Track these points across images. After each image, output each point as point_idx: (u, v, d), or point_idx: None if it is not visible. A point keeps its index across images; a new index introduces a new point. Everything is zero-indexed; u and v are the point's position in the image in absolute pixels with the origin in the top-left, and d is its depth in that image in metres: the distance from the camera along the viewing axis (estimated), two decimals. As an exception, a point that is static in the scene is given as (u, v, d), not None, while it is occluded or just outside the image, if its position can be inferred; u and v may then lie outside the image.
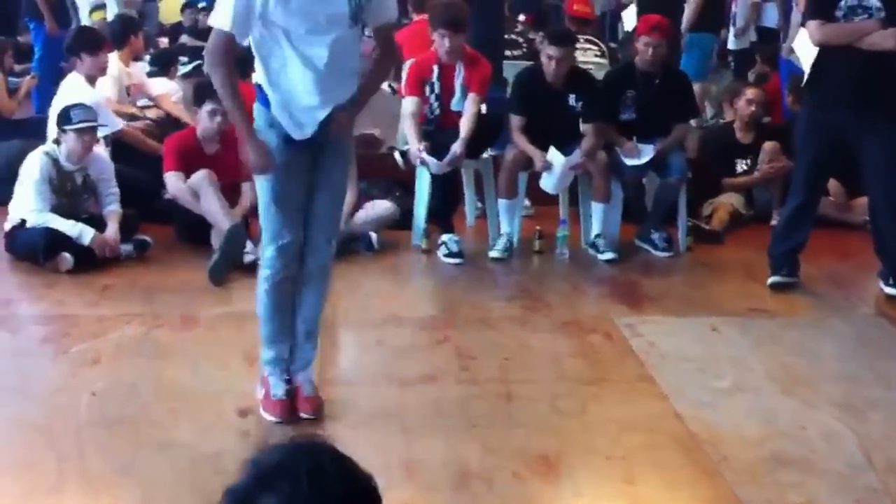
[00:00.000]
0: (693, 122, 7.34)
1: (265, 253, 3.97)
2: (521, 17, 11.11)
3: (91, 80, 6.73)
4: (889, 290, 5.67)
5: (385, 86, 9.68)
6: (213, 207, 5.93)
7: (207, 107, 6.13)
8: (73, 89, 6.55)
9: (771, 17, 10.73)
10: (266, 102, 3.84)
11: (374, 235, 6.29)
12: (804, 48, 6.95)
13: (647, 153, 6.33)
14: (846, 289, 5.94)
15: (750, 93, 7.41)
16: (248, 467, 1.54)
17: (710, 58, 9.48)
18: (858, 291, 5.90)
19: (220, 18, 3.69)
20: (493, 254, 6.26)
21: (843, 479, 3.70)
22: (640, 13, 8.64)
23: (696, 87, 8.77)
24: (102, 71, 6.87)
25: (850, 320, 5.44)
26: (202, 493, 3.35)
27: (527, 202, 6.87)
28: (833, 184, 6.88)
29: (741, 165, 7.29)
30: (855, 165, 5.79)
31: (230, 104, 3.82)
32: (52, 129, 6.28)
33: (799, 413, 4.20)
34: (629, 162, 6.35)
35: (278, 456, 1.54)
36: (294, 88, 3.77)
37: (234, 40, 3.71)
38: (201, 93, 6.35)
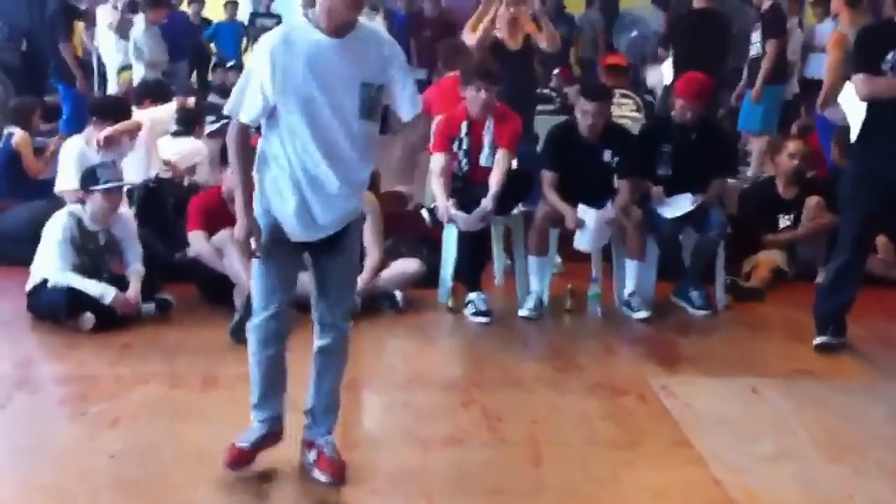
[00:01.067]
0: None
1: (255, 320, 3.96)
2: (556, 71, 11.18)
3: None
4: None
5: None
6: (235, 266, 5.94)
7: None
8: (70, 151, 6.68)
9: (815, 68, 10.69)
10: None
11: (399, 294, 6.28)
12: (850, 102, 6.92)
13: (685, 203, 6.30)
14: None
15: (792, 146, 7.36)
16: None
17: (778, 109, 9.47)
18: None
19: (235, 107, 3.78)
20: (523, 313, 6.23)
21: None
22: (676, 66, 8.62)
23: (763, 139, 8.79)
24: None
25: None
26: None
27: (557, 259, 6.85)
28: (881, 240, 6.81)
29: (784, 221, 7.24)
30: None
31: (239, 192, 3.91)
32: (64, 192, 6.39)
33: (846, 481, 4.11)
34: (667, 214, 6.31)
35: None
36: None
37: (249, 129, 3.81)
38: (226, 150, 6.39)
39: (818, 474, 4.19)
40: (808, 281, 6.71)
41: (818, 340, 5.68)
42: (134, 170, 6.86)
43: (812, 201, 7.14)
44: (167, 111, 7.72)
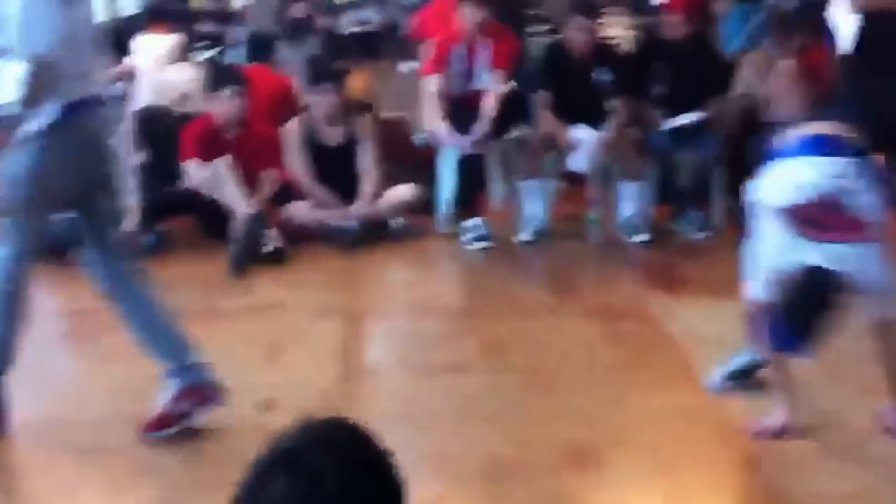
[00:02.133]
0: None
1: None
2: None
3: None
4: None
5: (407, 66, 9.67)
6: (232, 195, 5.93)
7: (226, 90, 6.14)
8: None
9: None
10: None
11: (398, 220, 6.27)
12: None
13: (687, 117, 6.26)
14: None
15: (785, 65, 7.29)
16: (270, 447, 1.56)
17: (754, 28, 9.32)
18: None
19: None
20: (522, 237, 6.22)
21: (890, 466, 3.64)
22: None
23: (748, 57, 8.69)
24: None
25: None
26: (222, 485, 3.33)
27: (557, 182, 6.81)
28: (876, 158, 6.77)
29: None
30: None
31: None
32: None
33: (848, 401, 4.12)
34: (667, 125, 6.27)
35: (299, 436, 1.57)
36: None
37: None
38: (219, 77, 6.36)
39: (819, 393, 4.20)
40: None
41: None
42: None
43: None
44: (174, 42, 7.66)
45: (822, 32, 8.91)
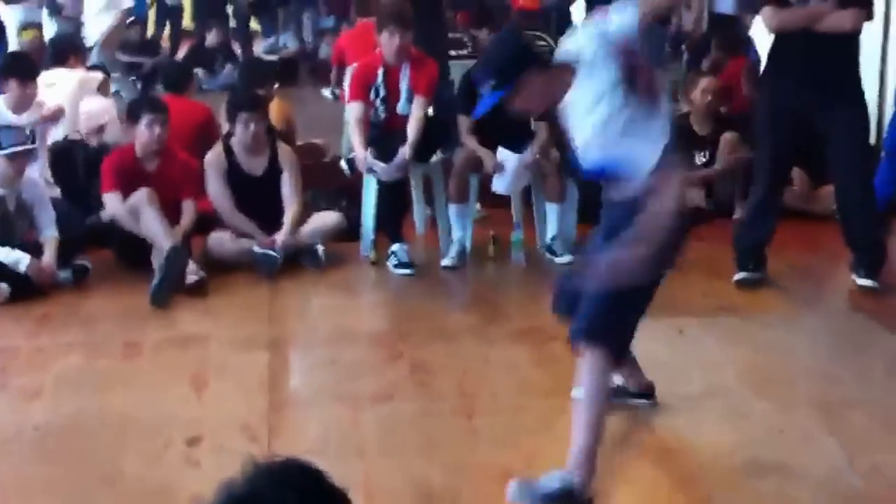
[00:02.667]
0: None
1: None
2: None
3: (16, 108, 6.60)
4: (862, 282, 5.62)
5: (327, 92, 9.65)
6: (153, 227, 5.80)
7: (145, 120, 6.01)
8: None
9: (725, 3, 10.73)
10: None
11: (320, 248, 6.18)
12: (762, 35, 6.93)
13: None
14: (817, 282, 5.92)
15: (705, 82, 7.36)
16: (224, 489, 1.50)
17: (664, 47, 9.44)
18: (830, 284, 5.88)
19: None
20: (446, 262, 6.16)
21: (824, 483, 3.64)
22: (588, 7, 8.58)
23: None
24: (28, 102, 6.71)
25: (824, 315, 5.41)
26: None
27: (478, 206, 6.80)
28: (797, 172, 6.85)
29: (699, 158, 7.25)
30: (818, 153, 5.77)
31: None
32: None
33: (775, 416, 4.14)
34: None
35: (252, 478, 1.51)
36: None
37: None
38: (136, 107, 6.23)
39: (747, 410, 4.22)
40: (726, 218, 6.74)
41: (739, 276, 5.71)
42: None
43: (727, 137, 7.15)
44: (86, 75, 7.52)
45: (738, 49, 9.08)
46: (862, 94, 5.63)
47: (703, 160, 7.25)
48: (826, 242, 6.12)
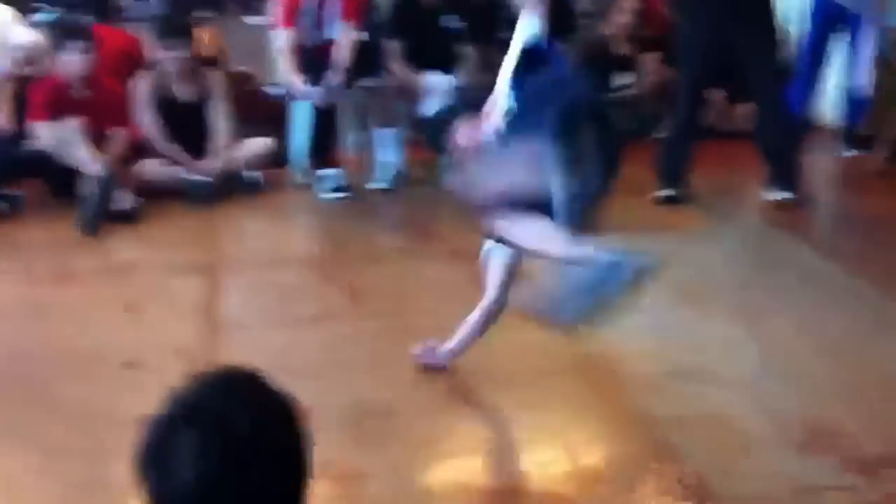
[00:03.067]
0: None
1: None
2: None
3: None
4: (776, 196, 5.72)
5: (256, 19, 9.43)
6: (82, 156, 5.68)
7: (72, 48, 5.85)
8: None
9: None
10: None
11: (252, 174, 6.12)
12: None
13: None
14: (734, 198, 5.99)
15: (626, 4, 7.34)
16: (171, 399, 1.47)
17: None
18: (747, 200, 5.95)
19: None
20: (377, 185, 6.14)
21: (745, 386, 3.71)
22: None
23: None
24: None
25: (741, 229, 5.48)
26: (99, 448, 3.24)
27: (409, 129, 6.75)
28: (715, 92, 6.89)
29: (622, 79, 7.26)
30: (736, 73, 5.81)
31: None
32: None
33: (696, 325, 4.21)
34: None
35: (198, 389, 1.48)
36: None
37: None
38: (64, 35, 6.06)
39: (669, 321, 4.27)
40: (647, 137, 6.77)
41: (661, 193, 5.77)
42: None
43: (649, 58, 7.17)
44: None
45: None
46: (774, 15, 5.67)
47: (626, 81, 7.26)
48: (743, 160, 6.18)
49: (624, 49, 7.29)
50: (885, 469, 3.15)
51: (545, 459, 3.25)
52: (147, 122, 6.06)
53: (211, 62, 6.61)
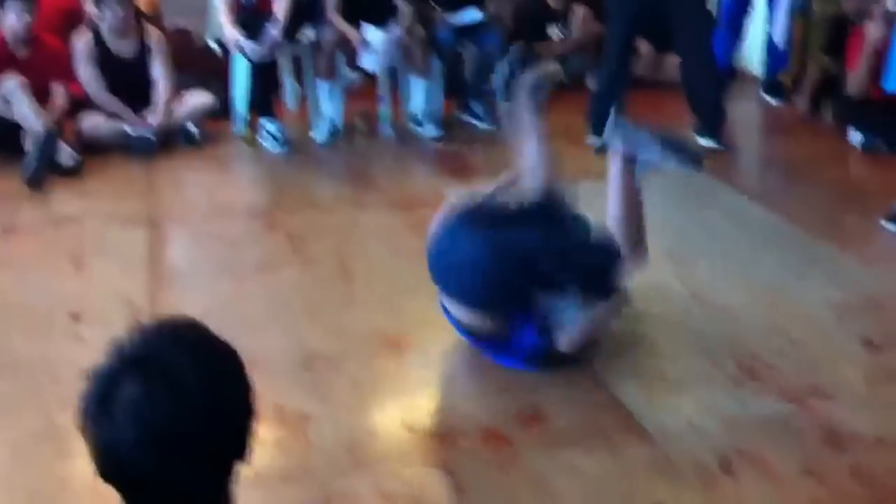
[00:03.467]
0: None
1: None
2: None
3: None
4: (704, 143, 5.74)
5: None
6: (24, 111, 5.53)
7: (13, 7, 5.68)
8: None
9: None
10: None
11: (194, 128, 6.01)
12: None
13: (471, 15, 6.23)
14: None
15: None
16: (114, 350, 1.42)
17: None
18: (675, 147, 5.95)
19: None
20: (317, 137, 6.07)
21: (676, 324, 3.74)
22: None
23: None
24: None
25: (670, 174, 5.45)
26: (47, 399, 3.18)
27: (353, 75, 6.67)
28: (643, 43, 6.89)
29: (553, 32, 7.23)
30: (662, 25, 5.80)
31: None
32: None
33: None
34: (454, 21, 6.22)
35: (142, 338, 1.43)
36: None
37: None
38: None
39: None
40: (579, 88, 6.76)
41: (593, 141, 5.77)
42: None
43: (580, 11, 7.14)
44: None
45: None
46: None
47: (558, 34, 7.23)
48: (672, 108, 6.19)
49: (557, 2, 7.25)
50: (813, 399, 3.19)
51: (486, 400, 3.24)
52: (87, 77, 5.92)
53: (148, 18, 6.45)
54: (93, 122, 5.86)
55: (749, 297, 3.94)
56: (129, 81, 5.94)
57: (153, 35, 6.11)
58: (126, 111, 5.90)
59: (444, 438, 3.06)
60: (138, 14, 6.25)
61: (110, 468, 1.40)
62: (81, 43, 5.94)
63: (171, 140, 5.93)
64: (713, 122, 5.79)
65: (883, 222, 4.62)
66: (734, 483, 2.80)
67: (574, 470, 2.86)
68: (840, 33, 6.26)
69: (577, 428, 3.07)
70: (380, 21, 6.00)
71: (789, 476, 2.83)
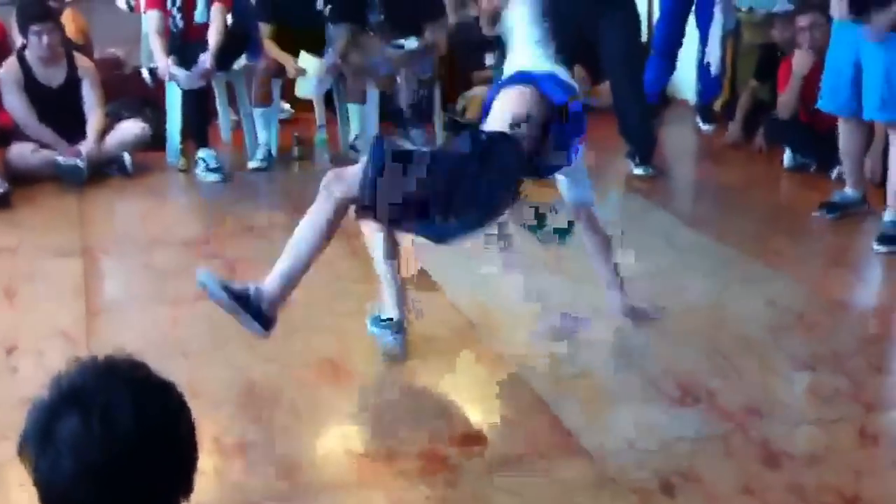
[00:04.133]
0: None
1: None
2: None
3: None
4: (636, 171, 5.87)
5: (122, 3, 9.22)
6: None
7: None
8: None
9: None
10: None
11: (127, 157, 5.97)
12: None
13: (409, 43, 6.29)
14: (599, 169, 6.04)
15: (488, -13, 7.39)
16: (53, 384, 1.42)
17: None
18: (610, 171, 6.04)
19: None
20: (253, 164, 6.08)
21: (614, 346, 3.80)
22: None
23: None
24: None
25: (605, 199, 5.54)
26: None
27: (286, 105, 6.70)
28: (577, 70, 6.98)
29: (489, 59, 7.31)
30: (596, 53, 5.90)
31: None
32: None
33: (567, 289, 4.28)
34: (390, 51, 6.28)
35: (79, 373, 1.44)
36: None
37: None
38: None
39: (542, 285, 4.33)
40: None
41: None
42: None
43: (514, 38, 7.22)
44: None
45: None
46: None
47: (493, 60, 7.31)
48: (606, 134, 6.28)
49: (492, 30, 7.31)
50: (749, 418, 3.25)
51: (426, 423, 3.26)
52: (16, 106, 5.87)
53: (77, 46, 6.42)
54: (21, 151, 5.81)
55: (685, 319, 4.01)
56: (58, 110, 5.91)
57: (82, 63, 6.08)
58: (57, 140, 5.86)
59: (385, 462, 3.07)
60: (66, 42, 6.21)
61: (52, 500, 1.41)
62: (7, 71, 5.89)
63: (104, 170, 5.90)
64: (644, 148, 5.91)
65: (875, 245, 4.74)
66: (674, 503, 2.85)
67: (515, 491, 2.89)
68: (770, 60, 6.43)
69: (517, 449, 3.10)
70: (316, 48, 6.03)
71: (728, 495, 2.88)
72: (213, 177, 5.91)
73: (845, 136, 5.14)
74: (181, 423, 1.48)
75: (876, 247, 4.74)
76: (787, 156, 6.01)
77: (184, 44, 6.01)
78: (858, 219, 5.14)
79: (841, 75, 4.99)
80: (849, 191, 5.24)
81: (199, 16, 6.00)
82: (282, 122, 6.44)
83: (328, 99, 6.42)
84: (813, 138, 5.82)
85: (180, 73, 5.85)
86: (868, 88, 4.86)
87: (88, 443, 1.37)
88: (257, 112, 6.12)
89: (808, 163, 5.94)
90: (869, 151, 5.51)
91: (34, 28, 5.84)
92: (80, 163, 5.75)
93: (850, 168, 5.23)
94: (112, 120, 6.15)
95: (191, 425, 1.49)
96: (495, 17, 7.25)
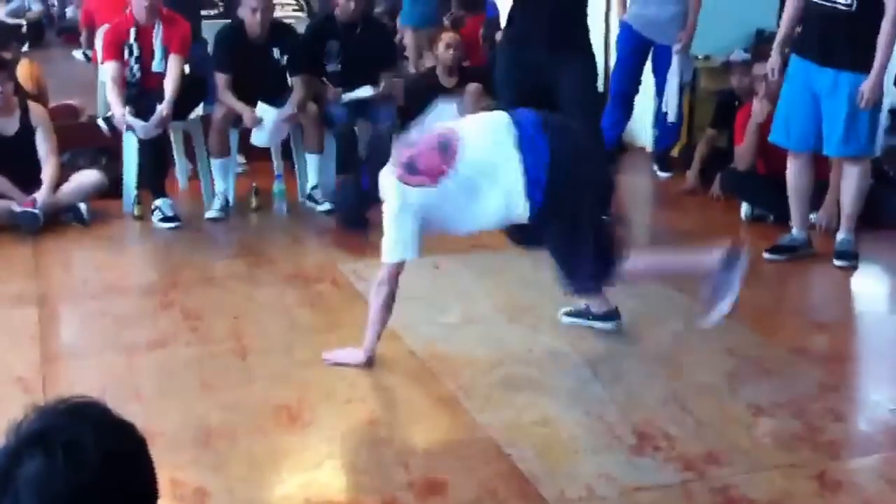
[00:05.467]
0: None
1: None
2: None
3: None
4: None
5: (78, 54, 9.28)
6: None
7: None
8: None
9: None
10: None
11: (83, 206, 5.98)
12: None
13: (364, 91, 6.37)
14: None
15: (447, 37, 7.50)
16: (13, 430, 1.44)
17: (430, 4, 9.58)
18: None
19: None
20: (210, 214, 6.10)
21: (572, 393, 3.84)
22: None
23: (418, 33, 9.02)
24: None
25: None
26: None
27: (241, 159, 6.74)
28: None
29: (447, 108, 7.39)
30: (553, 100, 5.99)
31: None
32: None
33: (525, 338, 4.32)
34: (346, 97, 6.35)
35: (42, 416, 1.46)
36: None
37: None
38: None
39: (501, 334, 4.38)
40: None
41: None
42: None
43: (472, 88, 7.32)
44: None
45: (477, 6, 9.31)
46: (590, 45, 5.88)
47: (450, 111, 7.39)
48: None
49: (449, 80, 7.43)
50: (709, 466, 3.30)
51: (385, 471, 3.28)
52: (-30, 156, 5.86)
53: (32, 96, 6.44)
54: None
55: (642, 366, 4.07)
56: (12, 159, 5.91)
57: (36, 112, 6.10)
58: (11, 189, 5.85)
59: (343, 511, 3.08)
60: (20, 91, 6.23)
61: None
62: (-38, 121, 5.89)
63: (59, 218, 5.89)
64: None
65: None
66: (633, 548, 2.88)
67: (475, 538, 2.91)
68: (727, 108, 6.57)
69: (476, 497, 3.12)
70: (273, 98, 6.08)
71: (687, 540, 2.92)
72: (168, 225, 5.93)
73: (795, 172, 5.25)
74: (143, 458, 1.51)
75: (836, 262, 5.20)
76: (745, 208, 6.10)
77: (140, 93, 6.04)
78: (808, 262, 5.27)
79: (797, 109, 5.09)
80: (795, 232, 5.36)
81: (155, 66, 6.05)
82: (239, 174, 6.48)
83: (286, 149, 6.47)
84: (771, 189, 5.92)
85: (136, 122, 5.88)
86: (829, 124, 4.97)
87: (52, 479, 1.39)
88: (214, 162, 6.16)
89: (765, 214, 6.03)
90: (823, 205, 5.64)
91: (-12, 77, 5.86)
92: (35, 211, 5.74)
93: (796, 207, 5.33)
94: (68, 169, 6.16)
95: (151, 462, 1.52)
96: (453, 66, 7.42)
